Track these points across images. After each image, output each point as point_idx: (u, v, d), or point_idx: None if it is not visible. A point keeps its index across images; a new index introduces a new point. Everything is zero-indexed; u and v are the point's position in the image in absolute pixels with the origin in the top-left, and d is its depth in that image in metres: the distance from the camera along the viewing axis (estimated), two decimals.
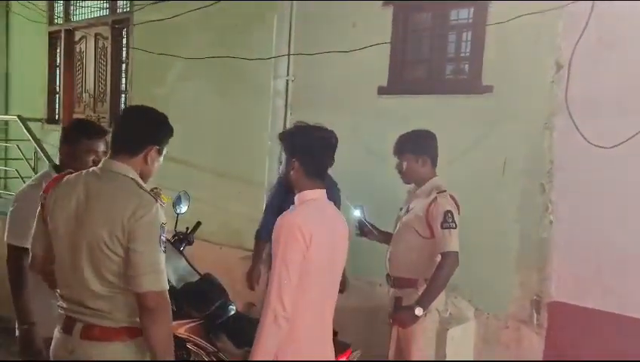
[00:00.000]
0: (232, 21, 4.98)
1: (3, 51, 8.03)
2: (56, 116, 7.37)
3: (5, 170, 7.55)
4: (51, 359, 2.14)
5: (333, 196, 3.35)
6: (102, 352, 2.01)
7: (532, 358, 3.43)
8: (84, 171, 2.13)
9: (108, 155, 2.11)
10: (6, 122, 7.53)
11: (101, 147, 2.67)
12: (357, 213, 3.29)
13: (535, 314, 3.45)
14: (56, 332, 2.10)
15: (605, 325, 3.19)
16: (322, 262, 2.10)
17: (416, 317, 2.84)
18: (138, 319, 1.98)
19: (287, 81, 4.63)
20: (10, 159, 7.39)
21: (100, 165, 2.11)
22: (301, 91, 4.64)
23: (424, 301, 2.86)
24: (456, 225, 2.91)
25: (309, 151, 2.17)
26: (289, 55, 4.60)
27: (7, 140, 7.43)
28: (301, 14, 4.58)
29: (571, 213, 3.33)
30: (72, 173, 2.18)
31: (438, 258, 2.96)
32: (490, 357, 3.59)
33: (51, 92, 7.42)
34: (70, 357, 2.03)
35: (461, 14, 3.82)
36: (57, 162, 2.88)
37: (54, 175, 2.49)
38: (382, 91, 4.11)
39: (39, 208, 2.16)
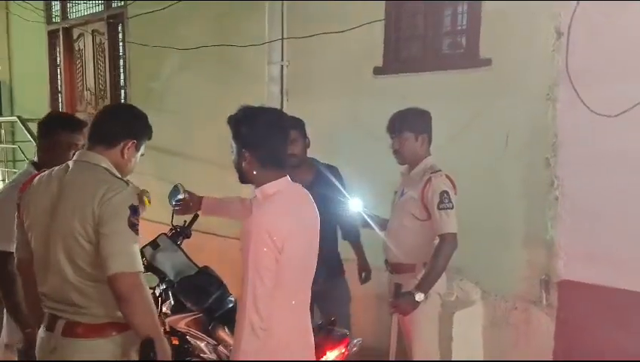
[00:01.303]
0: (225, 9, 4.89)
1: (5, 53, 8.06)
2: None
3: (14, 171, 7.59)
4: (37, 358, 2.09)
5: (337, 182, 3.27)
6: (82, 349, 1.96)
7: (543, 339, 3.31)
8: (57, 167, 2.09)
9: (85, 147, 2.09)
10: (12, 124, 7.57)
11: (81, 140, 2.59)
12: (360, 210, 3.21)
13: (544, 294, 3.32)
14: (40, 331, 2.06)
15: (618, 303, 3.05)
16: (297, 260, 1.94)
17: (417, 303, 2.74)
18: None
19: (282, 66, 4.53)
20: (18, 161, 7.44)
21: (74, 157, 2.07)
22: (296, 76, 4.54)
23: (424, 285, 2.76)
24: (453, 205, 2.80)
25: (260, 139, 1.92)
26: (282, 40, 4.50)
27: (13, 142, 7.48)
28: None
29: (578, 187, 3.18)
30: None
31: (437, 240, 2.87)
32: (499, 340, 3.49)
33: (53, 91, 7.43)
34: (51, 356, 1.99)
35: None
36: (36, 159, 2.79)
37: (34, 172, 2.44)
38: (378, 71, 4.00)
39: (16, 209, 2.12)
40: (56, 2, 7.18)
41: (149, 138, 2.18)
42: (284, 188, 1.98)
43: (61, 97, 7.37)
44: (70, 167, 2.03)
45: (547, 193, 3.28)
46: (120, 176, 2.04)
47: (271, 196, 1.94)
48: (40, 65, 7.46)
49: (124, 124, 2.10)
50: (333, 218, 3.21)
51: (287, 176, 2.02)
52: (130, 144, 2.07)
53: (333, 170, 3.34)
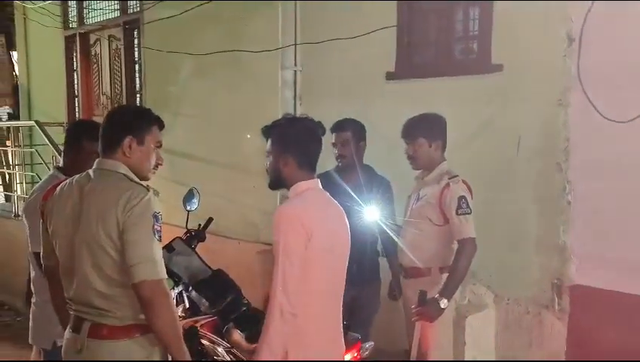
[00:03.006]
0: (239, 14, 4.95)
1: (23, 58, 8.19)
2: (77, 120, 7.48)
3: (31, 175, 7.72)
4: (63, 359, 2.16)
5: (387, 194, 3.35)
6: (107, 350, 2.02)
7: (555, 344, 3.32)
8: (77, 175, 2.15)
9: (100, 156, 2.14)
10: (30, 127, 7.69)
11: None
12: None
13: (556, 299, 3.33)
14: (67, 333, 2.13)
15: (631, 308, 3.06)
16: (325, 251, 2.06)
17: (442, 310, 2.78)
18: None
19: (295, 71, 4.58)
20: (36, 164, 7.55)
21: (93, 166, 2.14)
22: (309, 81, 4.59)
23: (447, 291, 2.81)
24: (471, 210, 2.84)
25: (301, 143, 2.13)
26: (295, 45, 4.54)
27: (31, 145, 7.59)
28: (305, 2, 4.52)
29: (590, 191, 3.19)
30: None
31: (454, 245, 2.91)
32: (511, 344, 3.49)
33: (70, 96, 7.53)
34: (78, 356, 2.05)
35: None
36: (61, 164, 2.94)
37: (62, 177, 2.53)
38: (390, 77, 4.03)
39: (40, 216, 2.20)
40: (73, 8, 7.29)
41: (160, 128, 2.19)
42: (314, 187, 2.16)
43: (78, 101, 7.47)
44: (90, 175, 2.10)
45: (559, 198, 3.29)
46: (139, 178, 2.10)
47: (303, 192, 2.11)
48: (57, 69, 7.57)
49: (117, 124, 2.14)
50: (375, 227, 3.24)
51: (318, 180, 2.19)
52: (127, 141, 2.09)
53: (384, 182, 3.39)
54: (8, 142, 7.89)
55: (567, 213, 3.27)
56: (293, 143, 2.12)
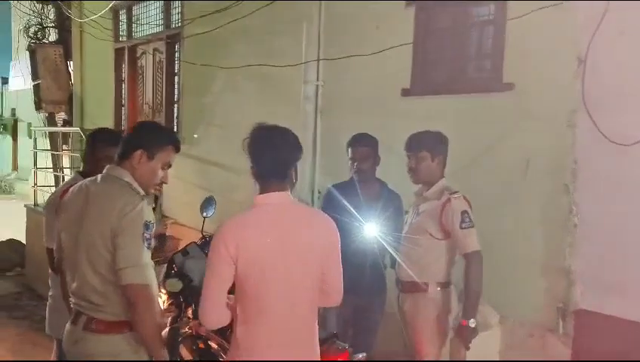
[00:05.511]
0: (268, 29, 5.12)
1: (78, 68, 8.70)
2: (122, 127, 7.88)
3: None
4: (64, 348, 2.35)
5: (398, 209, 3.36)
6: (100, 343, 2.19)
7: None
8: (88, 178, 2.34)
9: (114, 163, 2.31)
10: (81, 133, 8.15)
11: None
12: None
13: (561, 322, 3.26)
14: (67, 324, 2.31)
15: (635, 336, 2.96)
16: (263, 270, 1.97)
17: (475, 329, 2.82)
18: None
19: (317, 86, 4.68)
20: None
21: (103, 171, 2.31)
22: (330, 95, 4.69)
23: (469, 310, 2.84)
24: (473, 223, 2.87)
25: (254, 154, 2.07)
26: (318, 60, 4.66)
27: (81, 150, 8.03)
28: (328, 17, 4.63)
29: (597, 214, 3.12)
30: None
31: (455, 259, 2.95)
32: None
33: (118, 105, 7.95)
34: (75, 347, 2.24)
35: (482, 11, 3.71)
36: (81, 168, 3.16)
37: (80, 180, 2.73)
38: (405, 93, 4.08)
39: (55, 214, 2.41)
40: (123, 22, 7.72)
41: (176, 150, 2.31)
42: (272, 202, 2.05)
43: (124, 110, 7.88)
44: (98, 179, 2.28)
45: (566, 220, 3.24)
46: (141, 189, 2.25)
47: (258, 205, 2.06)
48: (107, 79, 8.01)
49: (132, 137, 2.32)
50: (380, 242, 3.26)
51: (284, 193, 2.07)
52: (138, 154, 2.24)
53: (396, 197, 3.44)
54: (65, 147, 8.38)
55: (574, 235, 3.21)
56: (250, 155, 2.08)
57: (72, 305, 2.29)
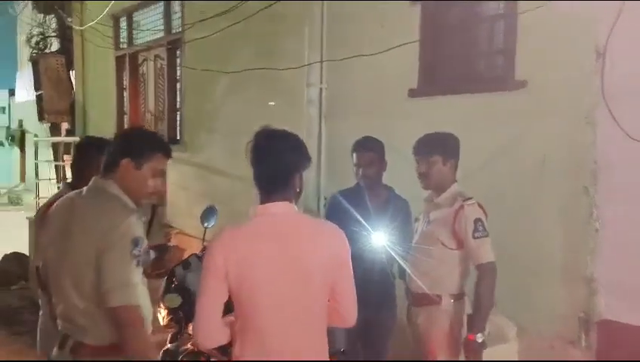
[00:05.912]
0: (268, 31, 5.01)
1: (80, 77, 8.65)
2: None
3: None
4: None
5: (407, 216, 3.21)
6: None
7: None
8: (74, 191, 2.18)
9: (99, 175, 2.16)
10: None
11: None
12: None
13: (583, 334, 3.07)
14: (55, 349, 2.15)
15: None
16: (256, 285, 1.83)
17: (482, 344, 2.66)
18: None
19: (321, 89, 4.55)
20: None
21: (89, 183, 2.15)
22: (334, 98, 4.56)
23: (478, 324, 2.67)
24: (487, 233, 2.69)
25: (253, 164, 1.94)
26: (321, 62, 4.53)
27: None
28: (331, 17, 4.51)
29: (620, 218, 2.94)
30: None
31: (468, 270, 2.78)
32: None
33: (120, 113, 7.87)
34: None
35: (491, 6, 3.54)
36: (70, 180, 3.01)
37: (68, 192, 2.58)
38: (412, 94, 3.93)
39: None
40: (123, 29, 7.64)
41: (167, 157, 2.16)
42: (269, 213, 1.91)
43: (126, 118, 7.79)
44: (83, 192, 2.12)
45: (586, 224, 3.06)
46: (130, 201, 2.09)
47: (256, 216, 1.93)
48: (109, 88, 7.94)
49: (118, 145, 2.15)
50: (388, 250, 3.09)
51: (286, 202, 1.93)
52: (125, 163, 2.09)
53: (404, 203, 3.29)
54: (67, 157, 8.30)
55: (595, 240, 3.03)
56: (250, 160, 1.95)
57: (59, 327, 2.13)
